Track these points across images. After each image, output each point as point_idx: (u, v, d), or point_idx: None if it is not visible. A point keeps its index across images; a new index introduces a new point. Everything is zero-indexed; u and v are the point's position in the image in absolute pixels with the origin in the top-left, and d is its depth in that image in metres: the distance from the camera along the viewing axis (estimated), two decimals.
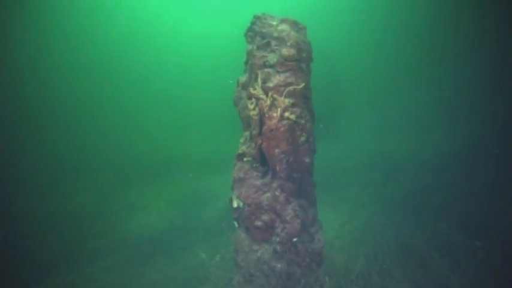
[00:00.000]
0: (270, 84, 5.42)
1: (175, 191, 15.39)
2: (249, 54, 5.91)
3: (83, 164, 19.61)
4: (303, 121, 5.57)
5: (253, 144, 5.68)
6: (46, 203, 14.84)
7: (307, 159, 5.77)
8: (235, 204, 5.97)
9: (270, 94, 5.32)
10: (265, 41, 5.74)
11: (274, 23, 5.78)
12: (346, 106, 21.10)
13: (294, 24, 5.90)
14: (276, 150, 5.46)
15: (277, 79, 5.44)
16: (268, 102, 5.29)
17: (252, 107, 5.39)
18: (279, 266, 5.82)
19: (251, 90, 5.41)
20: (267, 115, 5.36)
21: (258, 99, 5.37)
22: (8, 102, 22.68)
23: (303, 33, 5.91)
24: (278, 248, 5.83)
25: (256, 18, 5.97)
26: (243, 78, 6.15)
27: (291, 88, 5.37)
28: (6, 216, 13.40)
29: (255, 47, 5.83)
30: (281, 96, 5.35)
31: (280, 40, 5.59)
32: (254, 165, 5.83)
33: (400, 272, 6.11)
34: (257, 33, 5.86)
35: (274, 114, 5.34)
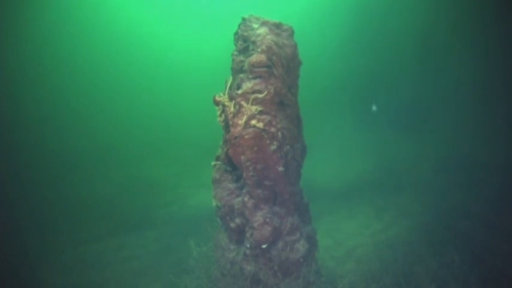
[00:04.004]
0: (239, 91, 5.37)
1: None
2: (232, 57, 5.89)
3: (168, 141, 22.19)
4: (273, 129, 5.37)
5: (224, 149, 5.77)
6: (133, 173, 17.48)
7: (280, 168, 5.58)
8: (214, 203, 6.22)
9: (234, 101, 5.28)
10: (245, 44, 5.63)
11: (255, 25, 5.59)
12: (440, 100, 18.36)
13: (276, 26, 5.60)
14: (242, 157, 5.44)
15: (247, 85, 5.34)
16: (233, 109, 5.27)
17: (218, 113, 5.46)
18: (248, 268, 5.91)
19: (216, 96, 5.46)
20: (231, 122, 5.35)
21: (224, 105, 5.39)
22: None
23: (285, 36, 5.57)
24: (248, 252, 5.90)
25: (243, 20, 5.86)
26: (230, 81, 6.18)
27: (258, 95, 5.22)
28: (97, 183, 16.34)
29: (236, 51, 5.78)
30: (248, 103, 5.26)
31: (255, 44, 5.42)
32: (227, 169, 5.93)
33: None
34: (240, 36, 5.78)
35: (240, 122, 5.30)
